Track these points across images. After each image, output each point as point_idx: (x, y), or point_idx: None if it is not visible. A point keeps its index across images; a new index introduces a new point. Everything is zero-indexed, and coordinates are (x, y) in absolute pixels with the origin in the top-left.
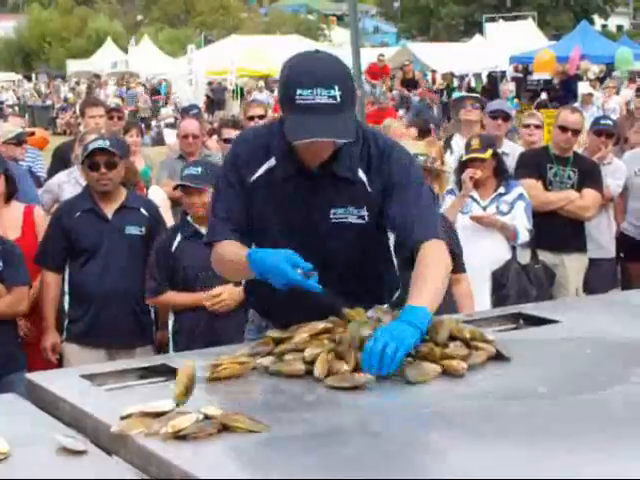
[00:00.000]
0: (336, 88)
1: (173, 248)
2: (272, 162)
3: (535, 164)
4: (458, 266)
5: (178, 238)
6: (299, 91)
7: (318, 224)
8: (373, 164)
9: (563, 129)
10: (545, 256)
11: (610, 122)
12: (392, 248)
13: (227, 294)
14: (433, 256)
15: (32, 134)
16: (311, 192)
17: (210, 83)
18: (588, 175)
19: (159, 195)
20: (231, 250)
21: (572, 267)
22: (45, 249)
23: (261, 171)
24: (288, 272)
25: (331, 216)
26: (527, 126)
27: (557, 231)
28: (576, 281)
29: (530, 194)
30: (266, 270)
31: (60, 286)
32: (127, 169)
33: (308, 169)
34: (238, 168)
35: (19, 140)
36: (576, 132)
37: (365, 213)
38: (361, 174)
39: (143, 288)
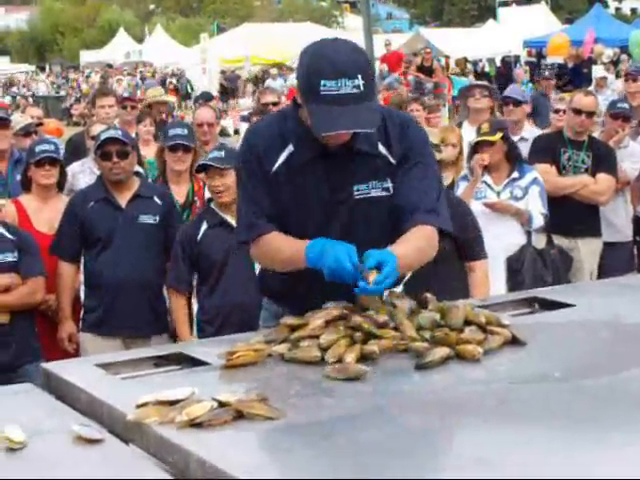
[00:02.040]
0: (359, 77)
1: (199, 237)
2: (290, 148)
3: (549, 148)
4: (473, 253)
5: (204, 227)
6: (323, 82)
7: (342, 202)
8: (392, 136)
9: (577, 112)
10: (560, 241)
11: (627, 105)
12: None
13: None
14: (424, 232)
15: (40, 125)
16: (332, 172)
17: (224, 72)
18: (603, 159)
19: None
20: (285, 243)
21: (587, 251)
22: (60, 239)
23: (281, 159)
24: (349, 270)
25: (355, 193)
26: (557, 111)
27: (571, 215)
28: (591, 265)
29: (544, 179)
30: (327, 263)
31: (76, 276)
32: (193, 160)
33: (327, 150)
34: (258, 158)
35: (27, 131)
36: (590, 114)
37: (390, 185)
38: (381, 148)
39: (158, 276)
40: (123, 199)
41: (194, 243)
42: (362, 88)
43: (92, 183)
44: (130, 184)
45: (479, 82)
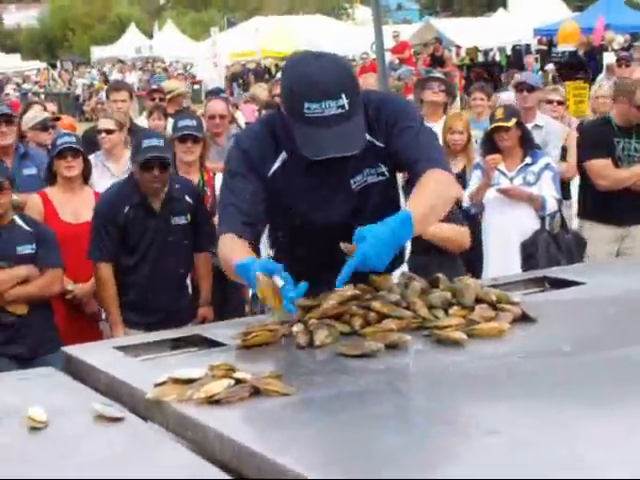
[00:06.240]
0: (344, 97)
1: None
2: (284, 155)
3: (604, 142)
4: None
5: None
6: (307, 104)
7: (343, 198)
8: (373, 121)
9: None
10: (613, 231)
11: None
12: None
13: None
14: (435, 177)
15: (58, 119)
16: (327, 172)
17: (227, 67)
18: None
19: None
20: (228, 250)
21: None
22: (98, 243)
23: (276, 165)
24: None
25: (353, 186)
26: (550, 102)
27: (624, 205)
28: None
29: (603, 174)
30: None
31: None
32: (203, 150)
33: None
34: (251, 163)
35: (44, 125)
36: None
37: (384, 169)
38: (367, 136)
39: (186, 272)
40: (157, 202)
41: None
42: (347, 107)
43: (122, 183)
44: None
45: (436, 75)
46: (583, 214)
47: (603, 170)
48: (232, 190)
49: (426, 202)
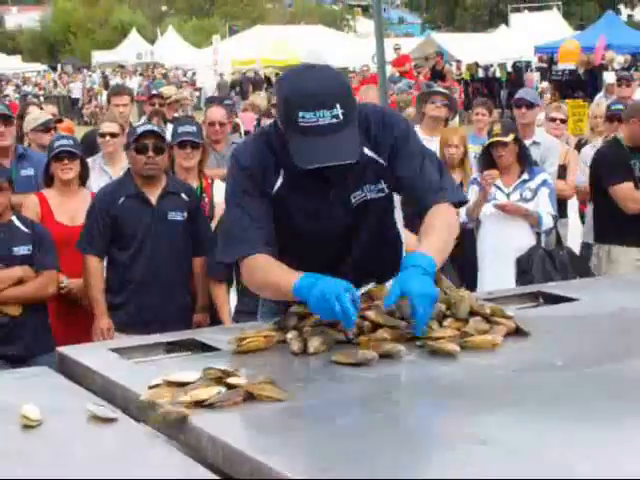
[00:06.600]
0: (338, 107)
1: None
2: (283, 173)
3: (623, 165)
4: None
5: None
6: (301, 113)
7: (342, 214)
8: (374, 137)
9: None
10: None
11: (622, 107)
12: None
13: None
14: (439, 213)
15: (60, 121)
16: (328, 188)
17: (221, 75)
18: None
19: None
20: (274, 268)
21: None
22: (89, 235)
23: (278, 184)
24: (336, 311)
25: (352, 201)
26: (553, 120)
27: None
28: None
29: (633, 197)
30: (314, 293)
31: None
32: (202, 157)
33: (319, 171)
34: (255, 180)
35: (47, 127)
36: None
37: (384, 185)
38: (367, 151)
39: (185, 272)
40: (153, 195)
41: None
42: (341, 117)
43: (120, 177)
44: (159, 180)
45: (440, 89)
46: (603, 239)
47: (632, 193)
48: (246, 209)
49: (438, 238)
